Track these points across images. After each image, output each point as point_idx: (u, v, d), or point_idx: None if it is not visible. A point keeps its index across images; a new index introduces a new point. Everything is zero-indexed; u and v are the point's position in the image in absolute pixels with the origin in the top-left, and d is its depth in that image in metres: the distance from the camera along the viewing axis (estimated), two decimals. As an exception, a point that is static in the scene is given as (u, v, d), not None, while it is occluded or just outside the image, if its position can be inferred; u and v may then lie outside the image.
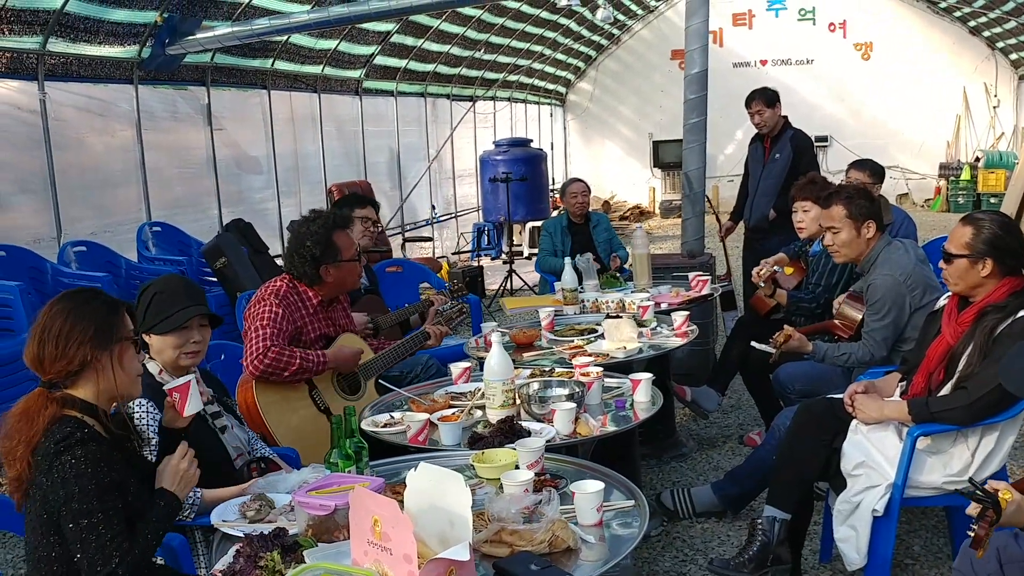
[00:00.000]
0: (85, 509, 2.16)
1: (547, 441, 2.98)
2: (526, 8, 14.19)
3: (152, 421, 2.77)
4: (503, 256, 11.99)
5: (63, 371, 2.35)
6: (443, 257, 12.69)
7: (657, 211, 18.71)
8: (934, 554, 3.97)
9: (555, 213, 15.16)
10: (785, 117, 6.87)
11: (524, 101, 17.76)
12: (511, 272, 10.51)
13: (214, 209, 8.85)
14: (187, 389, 2.72)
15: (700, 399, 5.27)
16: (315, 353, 3.90)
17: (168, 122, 8.39)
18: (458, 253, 13.66)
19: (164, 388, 2.76)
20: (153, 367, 3.05)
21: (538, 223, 13.67)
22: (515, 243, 13.53)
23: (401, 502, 2.14)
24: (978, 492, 1.98)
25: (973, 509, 2.00)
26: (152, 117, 8.06)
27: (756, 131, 6.95)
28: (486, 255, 13.38)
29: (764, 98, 6.75)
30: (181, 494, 2.51)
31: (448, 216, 14.61)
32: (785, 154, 6.71)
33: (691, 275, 5.67)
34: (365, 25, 10.47)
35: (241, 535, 2.36)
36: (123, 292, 6.37)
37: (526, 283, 10.58)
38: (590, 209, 7.41)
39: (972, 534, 1.97)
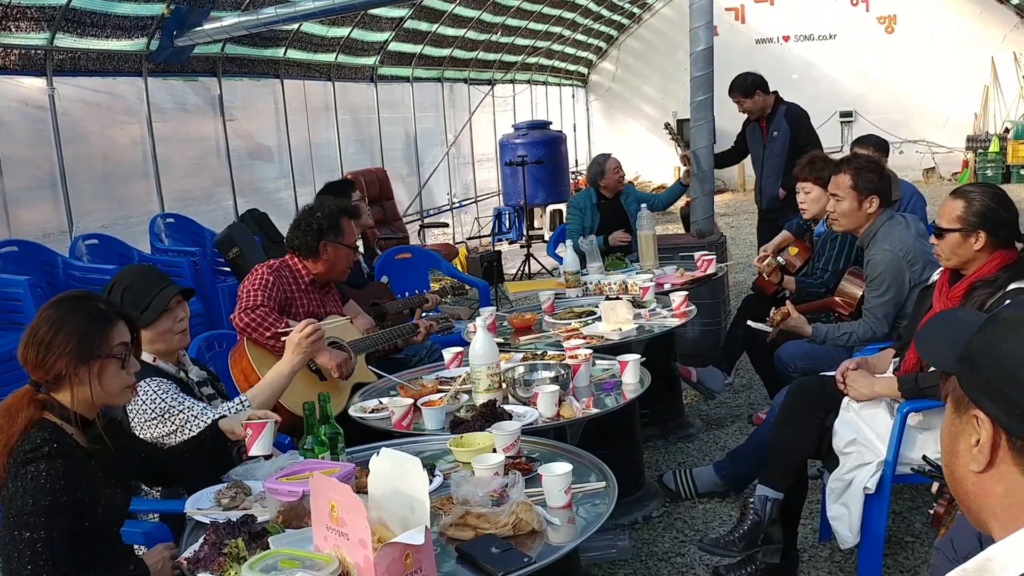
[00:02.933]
0: (31, 523, 2.13)
1: (531, 424, 2.97)
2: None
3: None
4: (522, 240, 11.95)
5: (42, 379, 2.31)
6: (461, 243, 12.67)
7: (682, 190, 18.55)
8: (936, 532, 3.91)
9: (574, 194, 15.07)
10: (776, 93, 6.78)
11: (544, 83, 17.63)
12: (528, 256, 10.47)
13: (228, 200, 8.88)
14: (261, 429, 2.67)
15: (706, 379, 5.24)
16: None
17: (179, 114, 8.40)
18: (474, 238, 13.62)
19: (242, 422, 2.72)
20: (147, 357, 3.07)
21: (560, 206, 13.61)
22: (536, 227, 13.46)
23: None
24: (930, 468, 1.93)
25: (935, 487, 1.96)
26: (162, 109, 8.08)
27: None
28: (505, 239, 13.35)
29: (740, 90, 6.71)
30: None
31: (469, 201, 14.57)
32: (783, 130, 6.63)
33: (697, 255, 5.63)
34: (378, 11, 10.43)
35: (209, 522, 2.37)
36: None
37: (544, 267, 10.53)
38: None
39: (933, 512, 1.93)
